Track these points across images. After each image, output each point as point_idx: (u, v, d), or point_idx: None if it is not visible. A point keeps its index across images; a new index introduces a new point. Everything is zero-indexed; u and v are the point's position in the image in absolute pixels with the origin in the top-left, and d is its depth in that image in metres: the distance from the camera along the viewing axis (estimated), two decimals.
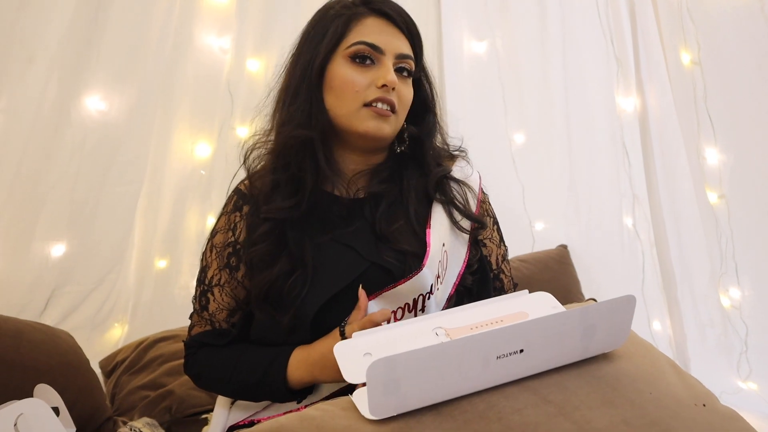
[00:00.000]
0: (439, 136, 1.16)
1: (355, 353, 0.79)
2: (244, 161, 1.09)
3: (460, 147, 1.21)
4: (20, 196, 1.65)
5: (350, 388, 0.98)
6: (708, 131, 2.15)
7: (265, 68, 2.03)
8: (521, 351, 0.73)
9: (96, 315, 1.85)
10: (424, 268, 1.01)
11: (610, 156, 2.43)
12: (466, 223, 1.11)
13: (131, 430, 1.32)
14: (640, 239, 2.45)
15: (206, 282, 1.08)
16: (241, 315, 1.08)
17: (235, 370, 1.03)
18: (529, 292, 0.95)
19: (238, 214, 1.07)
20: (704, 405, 0.80)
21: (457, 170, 1.17)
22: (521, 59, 2.43)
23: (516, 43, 2.43)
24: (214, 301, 1.07)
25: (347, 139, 1.06)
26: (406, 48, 1.06)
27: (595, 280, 2.45)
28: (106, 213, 1.79)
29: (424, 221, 1.09)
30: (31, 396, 1.16)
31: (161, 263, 1.99)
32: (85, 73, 1.70)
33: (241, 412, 1.09)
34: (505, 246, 1.22)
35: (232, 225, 1.07)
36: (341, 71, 1.02)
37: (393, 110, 1.03)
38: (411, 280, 1.00)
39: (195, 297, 1.10)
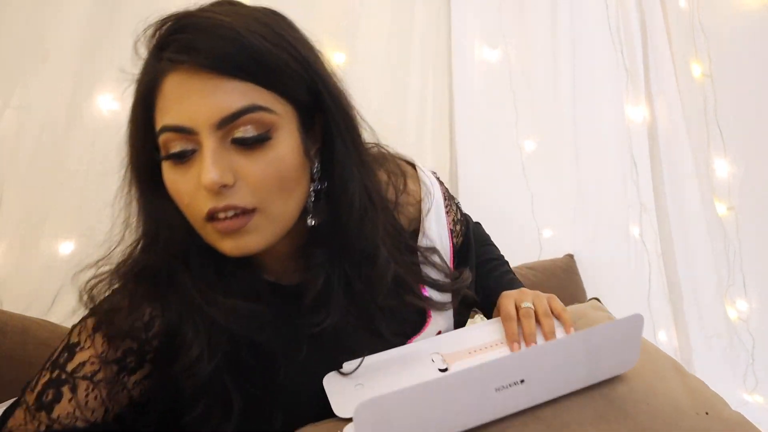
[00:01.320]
0: (376, 185, 0.82)
1: (346, 385, 0.73)
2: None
3: (404, 159, 0.95)
4: (30, 194, 1.65)
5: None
6: (718, 143, 2.15)
7: None
8: (522, 381, 0.68)
9: None
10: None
11: (618, 165, 2.43)
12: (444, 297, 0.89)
13: None
14: (647, 249, 2.44)
15: (68, 369, 0.70)
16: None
17: None
18: None
19: (132, 379, 0.73)
20: (707, 413, 0.76)
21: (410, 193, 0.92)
22: (532, 67, 2.43)
23: (528, 50, 2.43)
24: (71, 401, 0.69)
25: None
26: (234, 99, 0.67)
27: (601, 289, 2.44)
28: (115, 213, 1.79)
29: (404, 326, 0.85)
30: None
31: None
32: (98, 73, 1.71)
33: None
34: (461, 217, 1.05)
35: (122, 385, 0.73)
36: (166, 177, 0.71)
37: (246, 210, 0.69)
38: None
39: (33, 383, 0.72)
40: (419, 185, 0.94)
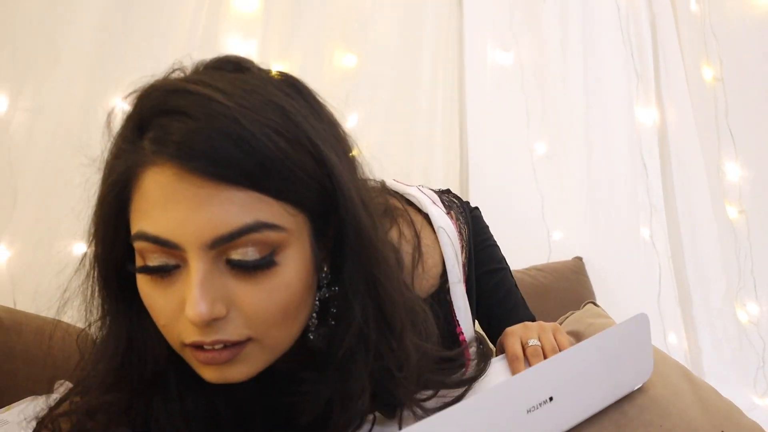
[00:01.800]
0: (388, 315, 0.63)
1: None
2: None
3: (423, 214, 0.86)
4: (44, 195, 1.67)
5: None
6: (729, 146, 2.14)
7: (289, 72, 2.05)
8: (551, 399, 0.63)
9: None
10: None
11: (628, 168, 2.43)
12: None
13: None
14: (656, 251, 2.43)
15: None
16: None
17: None
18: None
19: None
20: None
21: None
22: (544, 69, 2.43)
23: (539, 53, 2.43)
24: None
25: None
26: (236, 216, 0.52)
27: (611, 291, 2.44)
28: None
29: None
30: (52, 391, 1.17)
31: None
32: (111, 75, 1.73)
33: None
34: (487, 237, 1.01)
35: None
36: (140, 287, 0.58)
37: (235, 344, 0.56)
38: None
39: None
40: (438, 247, 0.84)
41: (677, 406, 0.73)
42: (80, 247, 1.76)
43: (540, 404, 0.62)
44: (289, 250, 0.56)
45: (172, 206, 0.52)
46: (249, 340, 0.57)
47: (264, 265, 0.54)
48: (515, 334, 0.82)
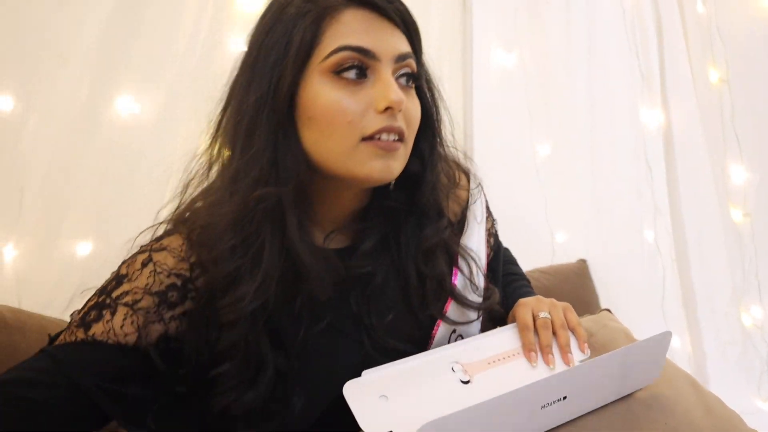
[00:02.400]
0: (443, 163, 0.90)
1: (370, 396, 0.72)
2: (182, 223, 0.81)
3: (465, 169, 0.98)
4: (49, 195, 1.68)
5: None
6: (734, 149, 2.14)
7: None
8: (564, 398, 0.70)
9: None
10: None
11: (632, 170, 2.42)
12: (473, 297, 0.91)
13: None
14: (661, 254, 2.43)
15: (112, 294, 0.76)
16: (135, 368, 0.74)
17: None
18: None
19: (170, 313, 0.76)
20: None
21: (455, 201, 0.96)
22: (548, 70, 2.43)
23: (544, 54, 2.43)
24: (107, 322, 0.73)
25: (334, 183, 0.79)
26: (403, 45, 0.77)
27: (614, 294, 2.43)
28: (132, 213, 1.81)
29: (428, 309, 0.87)
30: None
31: None
32: (117, 76, 1.73)
33: None
34: (495, 227, 1.08)
35: (159, 317, 0.75)
36: (323, 94, 0.73)
37: (401, 138, 0.76)
38: None
39: (83, 307, 0.79)
40: (468, 181, 0.99)
41: (682, 407, 0.77)
42: (84, 247, 1.76)
43: (554, 402, 0.68)
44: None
45: (372, 31, 0.74)
46: (403, 141, 0.76)
47: (412, 80, 0.79)
48: (528, 305, 0.87)
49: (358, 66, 0.74)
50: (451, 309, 0.88)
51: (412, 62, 0.78)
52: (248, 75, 0.78)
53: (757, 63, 2.07)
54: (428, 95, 0.85)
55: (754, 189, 2.16)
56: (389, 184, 0.84)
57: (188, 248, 0.77)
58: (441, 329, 0.87)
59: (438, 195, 0.87)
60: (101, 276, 1.84)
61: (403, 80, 0.78)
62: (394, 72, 0.76)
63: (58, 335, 0.77)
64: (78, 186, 1.71)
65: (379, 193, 0.85)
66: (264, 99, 0.74)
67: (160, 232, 0.85)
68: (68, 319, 1.53)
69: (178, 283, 0.76)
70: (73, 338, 0.73)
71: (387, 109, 0.73)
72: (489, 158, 2.31)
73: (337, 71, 0.73)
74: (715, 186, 2.26)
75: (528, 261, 2.29)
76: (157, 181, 1.87)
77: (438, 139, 0.87)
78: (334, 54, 0.73)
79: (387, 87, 0.73)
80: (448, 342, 0.89)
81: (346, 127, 0.73)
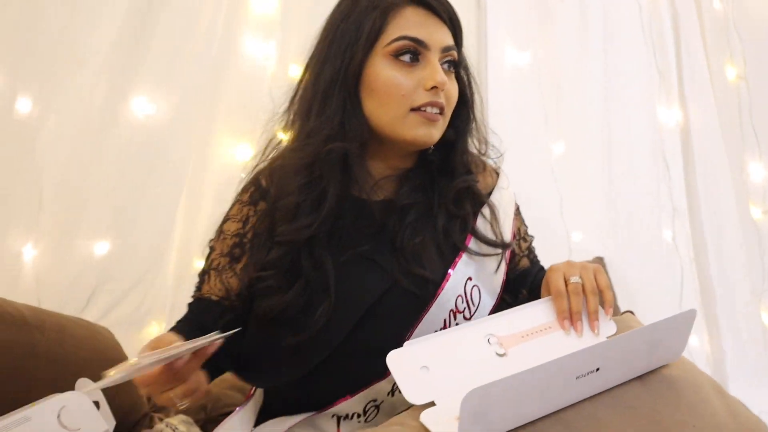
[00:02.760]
0: (476, 136, 1.08)
1: (412, 367, 0.77)
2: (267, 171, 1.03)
3: (486, 153, 1.12)
4: (66, 195, 1.70)
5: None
6: (753, 146, 2.11)
7: None
8: (597, 370, 0.73)
9: (134, 312, 1.89)
10: (432, 307, 0.96)
11: (650, 168, 2.39)
12: (486, 249, 1.05)
13: (168, 426, 1.35)
14: (679, 253, 2.40)
15: (207, 262, 1.05)
16: (231, 305, 1.00)
17: None
18: None
19: (252, 208, 1.01)
20: None
21: (487, 179, 1.12)
22: (563, 69, 2.41)
23: (558, 53, 2.41)
24: (207, 283, 1.01)
25: (387, 145, 0.99)
26: (449, 39, 0.97)
27: (632, 293, 2.41)
28: (148, 213, 1.83)
29: (453, 241, 1.01)
30: (73, 389, 1.19)
31: (200, 263, 2.02)
32: (133, 77, 1.75)
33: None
34: (531, 236, 1.19)
35: (244, 217, 1.02)
36: (383, 72, 0.93)
37: (441, 112, 0.96)
38: (428, 312, 0.96)
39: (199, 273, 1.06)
40: (496, 177, 1.14)
41: (708, 411, 0.79)
42: (102, 246, 1.78)
43: (588, 373, 0.72)
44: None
45: (426, 26, 0.94)
46: (442, 113, 0.96)
47: (453, 66, 0.99)
48: (559, 270, 0.92)
49: (413, 52, 0.93)
50: (472, 243, 1.03)
51: (455, 53, 0.98)
52: (324, 53, 0.97)
53: None
54: (465, 79, 1.04)
55: None
56: (429, 148, 1.01)
57: (255, 191, 1.02)
58: (458, 267, 0.99)
59: (467, 159, 1.06)
60: (118, 275, 1.87)
61: (446, 66, 0.97)
62: (440, 59, 0.95)
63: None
64: (95, 186, 1.74)
65: (421, 156, 1.04)
66: (337, 73, 0.94)
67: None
68: (86, 317, 1.57)
69: (257, 192, 1.02)
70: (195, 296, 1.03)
71: (433, 87, 0.93)
72: (503, 157, 2.30)
73: (396, 55, 0.93)
74: (733, 184, 2.22)
75: (544, 260, 2.27)
76: (173, 180, 1.90)
77: (471, 115, 1.06)
78: (395, 41, 0.93)
79: (434, 70, 0.93)
80: (464, 288, 1.00)
81: (400, 99, 0.93)
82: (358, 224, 0.97)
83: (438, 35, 0.95)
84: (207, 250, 1.07)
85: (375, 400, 0.95)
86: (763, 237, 2.17)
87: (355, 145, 0.94)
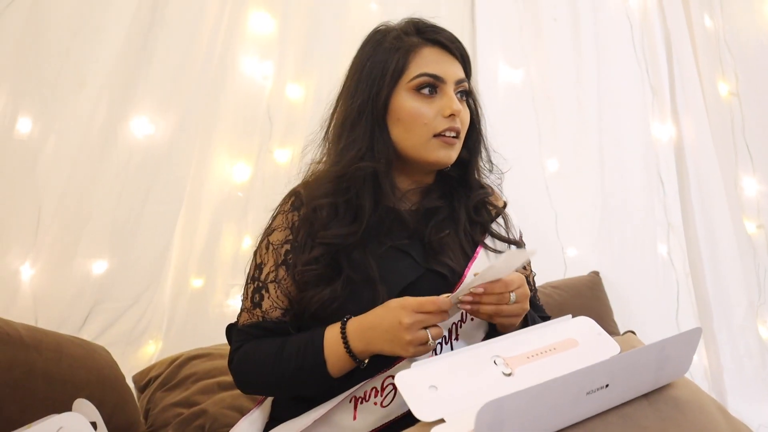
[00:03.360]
0: (483, 152, 1.20)
1: (420, 387, 0.79)
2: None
3: (492, 170, 1.23)
4: (66, 214, 1.70)
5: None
6: (746, 161, 2.13)
7: (305, 94, 2.08)
8: (607, 386, 0.75)
9: (132, 331, 1.89)
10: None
11: (644, 184, 2.41)
12: (501, 246, 1.16)
13: None
14: (674, 268, 2.41)
15: (261, 279, 1.08)
16: (292, 318, 1.08)
17: (278, 357, 1.02)
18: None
19: (296, 213, 1.09)
20: None
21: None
22: (555, 86, 2.44)
23: (550, 70, 2.44)
24: (268, 298, 1.07)
25: (411, 164, 1.11)
26: (461, 72, 1.11)
27: (628, 309, 2.41)
28: (146, 232, 1.84)
29: (472, 239, 1.13)
30: (70, 409, 1.18)
31: (197, 282, 2.03)
32: (133, 97, 1.77)
33: None
34: (533, 272, 1.26)
35: (290, 224, 1.09)
36: (408, 104, 1.06)
37: (458, 136, 1.08)
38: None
39: (245, 295, 1.11)
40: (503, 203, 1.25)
41: (713, 430, 0.80)
42: (100, 266, 1.79)
43: (597, 389, 0.73)
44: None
45: (442, 63, 1.08)
46: (459, 137, 1.09)
47: (466, 95, 1.13)
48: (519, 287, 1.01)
49: (432, 85, 1.07)
50: (488, 241, 1.15)
51: (466, 84, 1.12)
52: (353, 88, 1.10)
53: (767, 74, 2.07)
54: (473, 106, 1.17)
55: (767, 200, 2.14)
56: (448, 167, 1.14)
57: (295, 200, 1.11)
58: (479, 257, 1.10)
59: (480, 176, 1.20)
60: (116, 293, 1.87)
61: (459, 95, 1.10)
62: (454, 90, 1.08)
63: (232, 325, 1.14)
64: (94, 205, 1.74)
65: (440, 172, 1.17)
66: (366, 104, 1.07)
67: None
68: (84, 336, 1.57)
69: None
70: (255, 318, 1.09)
71: (451, 115, 1.06)
72: (503, 176, 2.31)
73: (418, 89, 1.07)
74: (727, 198, 2.24)
75: (539, 276, 2.28)
76: (171, 199, 1.91)
77: (480, 137, 1.19)
78: (417, 78, 1.06)
79: (451, 100, 1.06)
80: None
81: (423, 127, 1.06)
82: (392, 228, 1.09)
83: (452, 70, 1.09)
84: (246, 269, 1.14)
85: (392, 376, 0.99)
86: (758, 251, 2.18)
87: (382, 164, 1.06)
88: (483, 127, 1.19)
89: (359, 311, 0.99)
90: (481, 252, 1.12)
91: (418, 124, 1.06)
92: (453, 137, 1.07)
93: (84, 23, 1.67)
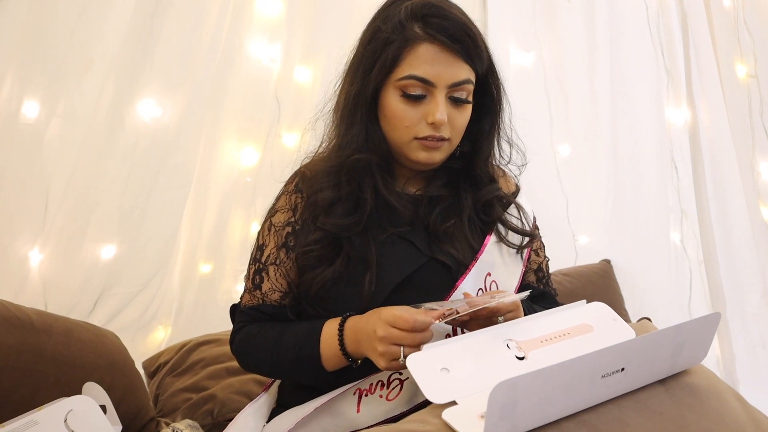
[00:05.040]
0: (505, 139, 1.14)
1: (431, 369, 0.78)
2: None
3: (508, 162, 1.18)
4: (73, 199, 1.70)
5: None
6: (764, 145, 2.09)
7: (313, 77, 2.06)
8: (622, 369, 0.73)
9: (141, 317, 1.89)
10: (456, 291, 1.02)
11: (657, 170, 2.38)
12: (515, 239, 1.12)
13: (174, 431, 1.34)
14: (687, 256, 2.38)
15: (262, 260, 1.08)
16: (291, 300, 1.07)
17: (276, 344, 1.02)
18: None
19: (299, 195, 1.08)
20: None
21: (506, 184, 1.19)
22: (568, 70, 2.40)
23: (563, 53, 2.40)
24: (268, 280, 1.07)
25: (402, 159, 1.08)
26: (463, 73, 1.00)
27: (639, 297, 2.39)
28: (154, 217, 1.83)
29: (480, 232, 1.10)
30: (80, 393, 1.19)
31: (205, 268, 2.02)
32: (140, 80, 1.75)
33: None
34: (547, 257, 1.23)
35: (293, 205, 1.08)
36: (392, 103, 1.02)
37: (444, 139, 1.03)
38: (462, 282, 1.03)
39: (247, 275, 1.10)
40: (515, 188, 1.21)
41: (732, 419, 0.78)
42: (109, 250, 1.78)
43: (613, 372, 0.72)
44: (470, 98, 1.04)
45: (436, 64, 0.98)
46: (447, 140, 1.03)
47: (465, 101, 1.03)
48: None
49: (420, 89, 1.00)
50: (500, 230, 1.12)
51: (469, 86, 1.02)
52: (351, 74, 1.06)
53: None
54: (494, 92, 1.09)
55: None
56: (456, 153, 1.10)
57: (299, 181, 1.10)
58: (487, 249, 1.07)
59: (490, 168, 1.14)
60: (125, 279, 1.87)
61: (455, 101, 1.02)
62: (448, 94, 1.01)
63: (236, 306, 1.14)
64: (102, 190, 1.73)
65: (444, 164, 1.11)
66: (359, 95, 1.03)
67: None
68: (93, 321, 1.57)
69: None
70: (256, 299, 1.09)
71: (433, 123, 1.00)
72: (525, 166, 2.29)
73: (405, 90, 1.00)
74: (743, 184, 2.20)
75: (551, 264, 2.27)
76: (179, 184, 1.90)
77: (496, 126, 1.12)
78: (405, 79, 0.99)
79: (436, 108, 0.99)
80: (483, 281, 1.05)
81: (405, 129, 1.02)
82: (393, 213, 1.05)
83: (448, 72, 0.99)
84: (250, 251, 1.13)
85: (401, 373, 0.99)
86: None
87: (377, 156, 1.04)
88: (502, 120, 1.12)
89: (358, 297, 0.99)
90: (488, 246, 1.09)
91: (400, 126, 1.02)
92: (435, 141, 1.02)
93: (89, 3, 1.64)
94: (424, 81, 0.99)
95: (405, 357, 0.83)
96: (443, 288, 1.03)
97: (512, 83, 2.48)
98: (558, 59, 2.40)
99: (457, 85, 1.00)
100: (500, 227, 1.12)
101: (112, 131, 1.73)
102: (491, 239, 1.10)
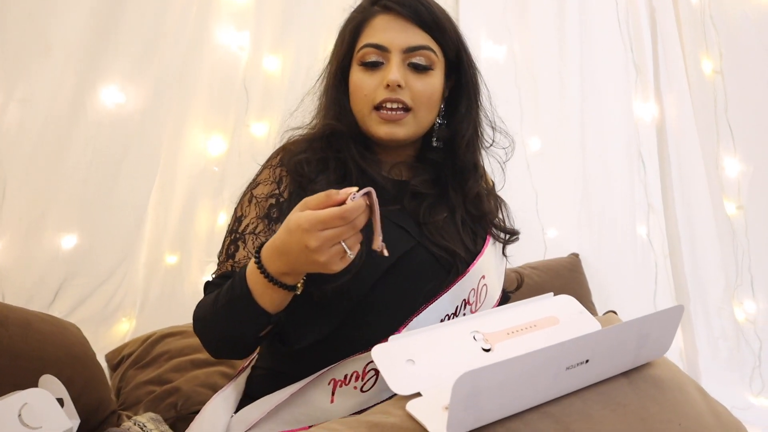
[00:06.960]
0: (481, 129, 1.13)
1: (397, 360, 0.78)
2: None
3: (491, 145, 1.17)
4: (33, 186, 1.65)
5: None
6: (728, 141, 2.13)
7: (282, 66, 2.03)
8: (587, 361, 0.74)
9: (104, 308, 1.85)
10: (459, 282, 1.01)
11: (625, 164, 2.41)
12: (502, 236, 1.15)
13: (135, 424, 1.32)
14: (653, 249, 2.42)
15: (239, 231, 1.04)
16: None
17: (216, 297, 0.94)
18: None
19: (283, 169, 1.06)
20: None
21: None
22: (538, 64, 2.41)
23: (534, 47, 2.41)
24: (244, 248, 1.01)
25: (370, 137, 1.08)
26: (418, 39, 1.02)
27: (606, 290, 2.42)
28: (118, 206, 1.79)
29: (471, 230, 1.09)
30: (37, 386, 1.16)
31: (171, 259, 1.99)
32: (102, 66, 1.71)
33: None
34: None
35: (277, 178, 1.06)
36: (354, 77, 1.05)
37: (406, 109, 1.02)
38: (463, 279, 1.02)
39: (221, 250, 1.05)
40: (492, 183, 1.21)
41: (694, 411, 0.80)
42: (69, 240, 1.74)
43: (578, 364, 0.73)
44: (436, 70, 1.05)
45: (389, 30, 1.02)
46: (410, 110, 1.03)
47: (426, 68, 1.03)
48: None
49: (376, 56, 1.02)
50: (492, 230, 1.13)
51: (427, 53, 1.03)
52: (331, 55, 1.11)
53: (751, 53, 2.05)
54: (468, 72, 1.10)
55: (748, 181, 2.15)
56: (432, 138, 1.11)
57: (284, 155, 1.09)
58: (486, 251, 1.07)
59: (474, 152, 1.13)
60: (87, 269, 1.83)
61: (414, 67, 1.03)
62: (404, 60, 1.02)
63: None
64: (62, 178, 1.69)
65: (424, 144, 1.13)
66: (333, 74, 1.08)
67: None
68: (54, 313, 1.52)
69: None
70: (228, 267, 1.02)
71: (388, 85, 1.00)
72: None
73: (363, 60, 1.03)
74: (708, 179, 2.24)
75: (519, 257, 2.29)
76: (144, 172, 1.86)
77: (474, 105, 1.12)
78: (361, 50, 1.03)
79: (389, 70, 1.01)
80: (478, 282, 1.04)
81: (363, 98, 1.03)
82: (381, 194, 0.96)
83: (401, 37, 1.02)
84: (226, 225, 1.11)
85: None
86: (737, 232, 2.19)
87: (346, 129, 1.06)
88: (480, 102, 1.13)
89: (342, 274, 0.91)
90: (488, 244, 1.09)
91: (359, 96, 1.04)
92: (394, 111, 1.02)
93: None
94: (377, 47, 1.02)
95: (350, 249, 0.80)
96: (432, 276, 1.01)
97: (484, 76, 2.49)
98: (529, 53, 2.41)
99: (412, 50, 1.02)
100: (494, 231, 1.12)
101: (74, 117, 1.68)
102: (489, 241, 1.09)
